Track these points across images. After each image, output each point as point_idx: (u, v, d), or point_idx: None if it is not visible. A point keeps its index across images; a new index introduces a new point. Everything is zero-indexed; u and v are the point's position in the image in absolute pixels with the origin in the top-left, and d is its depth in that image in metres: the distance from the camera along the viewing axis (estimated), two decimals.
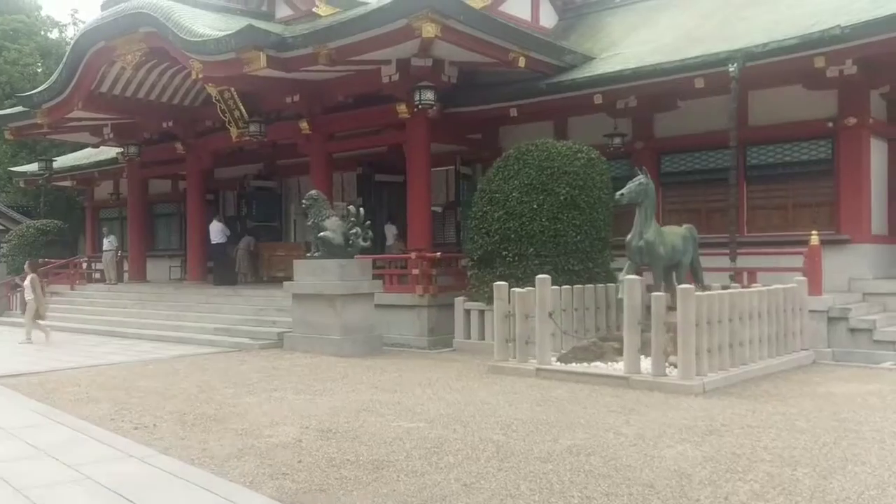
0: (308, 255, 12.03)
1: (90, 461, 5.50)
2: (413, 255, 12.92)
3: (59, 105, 16.88)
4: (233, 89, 16.34)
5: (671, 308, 8.17)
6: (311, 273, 11.70)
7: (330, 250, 11.51)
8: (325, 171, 16.24)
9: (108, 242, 19.99)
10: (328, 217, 11.70)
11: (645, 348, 8.30)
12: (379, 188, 17.51)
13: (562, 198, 10.94)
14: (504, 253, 11.17)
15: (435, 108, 13.22)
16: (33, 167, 24.49)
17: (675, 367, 8.14)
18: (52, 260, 20.64)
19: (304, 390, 8.33)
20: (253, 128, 15.93)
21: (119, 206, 24.30)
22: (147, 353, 12.11)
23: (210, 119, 18.16)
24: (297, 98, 15.74)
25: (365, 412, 7.06)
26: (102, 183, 24.59)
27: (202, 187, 19.34)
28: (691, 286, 8.19)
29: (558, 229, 10.90)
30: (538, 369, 8.89)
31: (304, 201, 11.92)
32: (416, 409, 7.19)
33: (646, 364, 8.30)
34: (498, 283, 9.49)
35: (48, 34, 41.85)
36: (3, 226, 36.56)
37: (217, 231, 18.07)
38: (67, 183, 25.34)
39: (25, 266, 14.85)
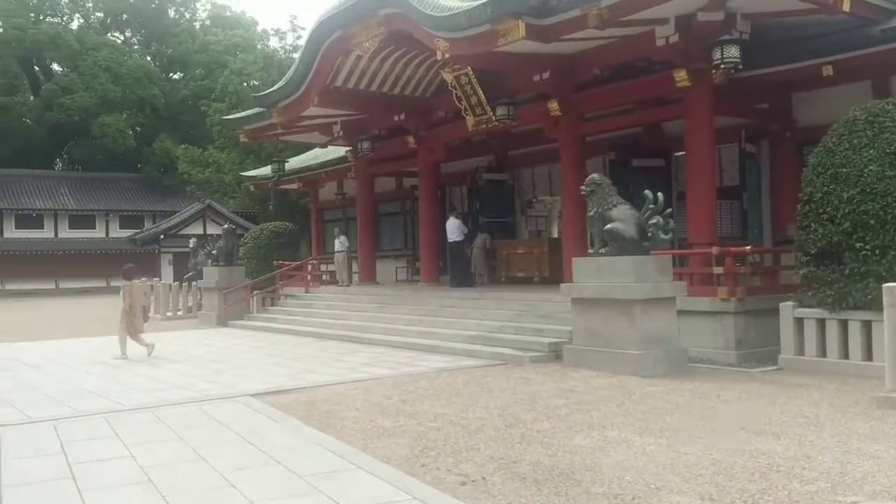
0: (591, 251, 10.08)
1: None
2: (714, 249, 10.60)
3: (294, 102, 16.26)
4: (471, 73, 14.87)
5: None
6: (596, 273, 9.76)
7: (621, 245, 9.50)
8: (576, 156, 14.29)
9: (340, 243, 19.32)
10: (615, 205, 9.71)
11: None
12: (634, 174, 15.21)
13: None
14: (858, 245, 8.58)
15: (740, 67, 10.80)
16: (263, 171, 24.74)
17: None
18: (286, 262, 20.41)
19: (644, 429, 6.36)
20: (500, 111, 14.30)
21: (343, 207, 23.90)
22: (405, 364, 10.77)
23: (443, 109, 16.89)
24: (546, 75, 13.86)
25: (775, 474, 4.95)
26: (327, 184, 24.29)
27: (434, 183, 18.13)
28: None
29: None
30: None
31: (583, 187, 10.01)
32: (853, 473, 4.95)
33: None
34: (890, 284, 6.98)
35: (266, 44, 43.61)
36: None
37: (454, 228, 16.71)
38: (293, 185, 25.40)
39: (122, 273, 12.94)
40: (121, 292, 12.61)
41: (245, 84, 36.21)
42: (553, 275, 15.82)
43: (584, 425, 6.56)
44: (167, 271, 42.66)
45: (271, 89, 16.95)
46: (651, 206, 9.38)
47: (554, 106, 13.95)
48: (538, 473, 5.16)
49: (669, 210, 9.53)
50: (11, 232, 43.18)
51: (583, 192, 10.10)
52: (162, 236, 44.79)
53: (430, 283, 17.49)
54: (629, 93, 13.39)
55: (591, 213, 9.90)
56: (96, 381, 10.02)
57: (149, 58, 54.49)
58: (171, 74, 54.66)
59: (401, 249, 22.20)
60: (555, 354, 10.68)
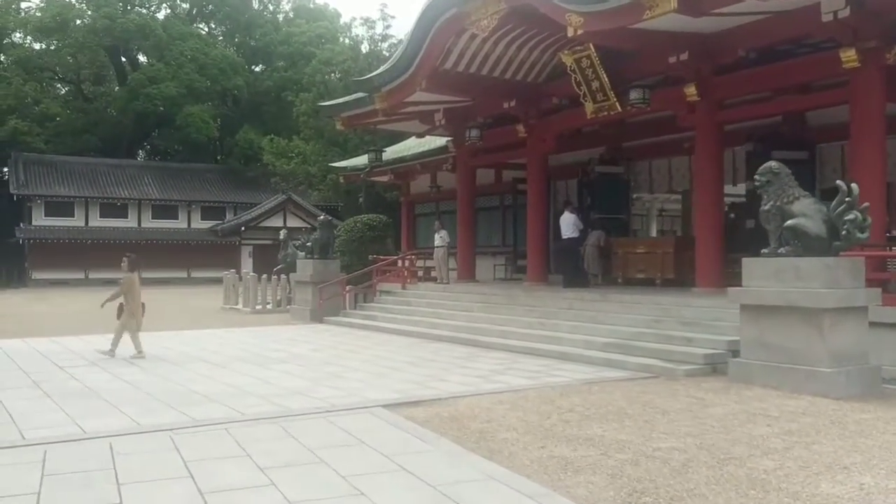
0: (764, 251, 8.74)
1: None
2: None
3: (400, 86, 15.29)
4: (594, 55, 13.60)
5: None
6: (773, 277, 8.42)
7: (805, 245, 8.16)
8: (714, 146, 13.00)
9: (440, 238, 18.22)
10: (797, 198, 8.36)
11: None
12: None
13: None
14: None
15: None
16: (356, 161, 23.92)
17: None
18: (381, 257, 19.53)
19: None
20: (634, 94, 13.02)
21: (437, 201, 22.90)
22: (541, 374, 9.64)
23: (557, 95, 15.68)
24: (683, 56, 12.52)
25: None
26: (420, 176, 23.31)
27: (543, 175, 16.91)
28: None
29: None
30: None
31: (757, 177, 8.67)
32: None
33: None
34: None
35: (349, 35, 43.06)
36: (311, 224, 37.82)
37: (569, 224, 15.48)
38: (384, 178, 24.53)
39: (123, 262, 11.52)
40: (120, 285, 11.39)
41: (328, 76, 35.66)
42: (678, 277, 14.47)
43: (817, 465, 5.30)
44: (247, 263, 42.63)
45: (376, 72, 16.02)
46: (846, 199, 8.00)
47: (691, 90, 12.64)
48: None
49: (867, 205, 8.12)
50: (97, 220, 43.76)
51: (756, 183, 8.76)
52: (243, 228, 44.81)
53: (537, 283, 16.31)
54: (781, 76, 11.98)
55: (767, 208, 8.55)
56: (205, 382, 9.22)
57: (232, 49, 54.77)
58: (253, 66, 54.85)
59: (499, 246, 21.08)
60: (711, 368, 9.41)
